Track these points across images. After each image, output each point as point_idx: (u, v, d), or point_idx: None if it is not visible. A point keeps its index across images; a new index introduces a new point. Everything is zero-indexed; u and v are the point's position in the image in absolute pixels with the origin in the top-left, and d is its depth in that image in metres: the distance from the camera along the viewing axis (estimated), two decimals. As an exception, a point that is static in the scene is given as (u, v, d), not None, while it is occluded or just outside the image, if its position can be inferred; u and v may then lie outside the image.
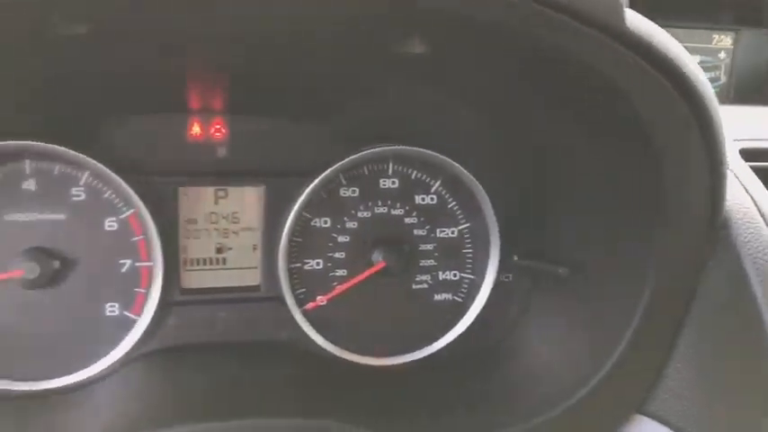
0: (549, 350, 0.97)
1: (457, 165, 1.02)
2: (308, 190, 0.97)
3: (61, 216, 0.93)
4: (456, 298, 1.08)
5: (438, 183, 1.05)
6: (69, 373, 0.93)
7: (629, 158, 0.77)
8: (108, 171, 0.91)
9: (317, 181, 0.97)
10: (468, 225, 1.07)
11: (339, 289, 1.02)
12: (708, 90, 0.69)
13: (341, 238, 1.03)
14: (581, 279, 0.94)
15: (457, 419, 0.91)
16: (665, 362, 0.86)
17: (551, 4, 0.57)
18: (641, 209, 0.80)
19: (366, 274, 1.01)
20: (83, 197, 0.93)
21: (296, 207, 0.97)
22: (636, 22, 0.60)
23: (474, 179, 1.02)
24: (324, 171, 0.97)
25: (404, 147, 1.00)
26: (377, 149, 0.99)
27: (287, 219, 0.97)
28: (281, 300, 1.00)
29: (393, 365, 1.05)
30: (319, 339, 1.01)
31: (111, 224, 0.94)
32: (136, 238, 0.95)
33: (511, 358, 1.01)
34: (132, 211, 0.94)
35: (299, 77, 0.88)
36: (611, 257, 0.89)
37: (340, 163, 0.98)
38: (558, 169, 0.92)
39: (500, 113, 0.89)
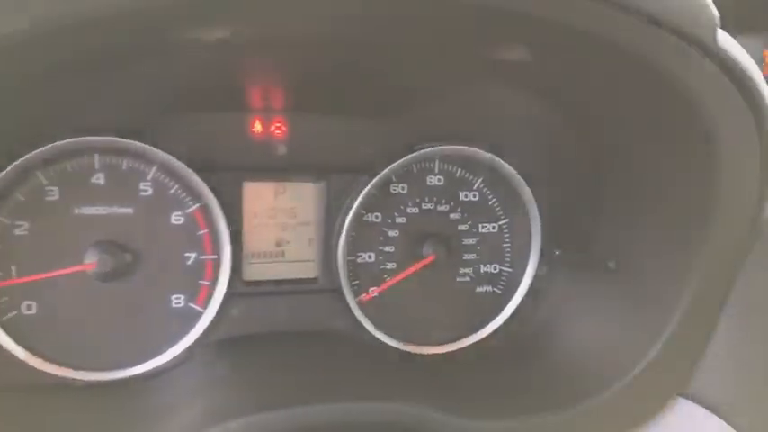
0: (591, 339, 1.03)
1: (504, 163, 1.07)
2: (368, 187, 1.01)
3: (129, 210, 0.95)
4: (496, 290, 1.14)
5: (480, 180, 1.10)
6: (137, 363, 0.96)
7: (689, 163, 0.83)
8: (178, 165, 0.94)
9: (376, 178, 1.01)
10: (507, 220, 1.13)
11: (391, 281, 1.06)
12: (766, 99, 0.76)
13: (391, 233, 1.07)
14: (625, 272, 1.00)
15: (503, 403, 0.96)
16: (704, 348, 0.93)
17: (654, 19, 0.63)
18: (695, 210, 0.87)
19: (417, 266, 1.06)
20: (150, 192, 0.95)
21: (356, 203, 1.01)
22: (725, 41, 0.66)
23: (519, 177, 1.08)
24: (382, 169, 1.02)
25: (458, 146, 1.05)
26: (435, 148, 1.04)
27: (346, 214, 1.01)
28: (337, 291, 1.04)
29: (438, 354, 1.10)
30: (372, 329, 1.06)
31: (177, 218, 0.97)
32: (201, 232, 0.98)
33: (554, 346, 1.07)
34: (198, 205, 0.97)
35: (372, 80, 0.91)
36: (658, 252, 0.95)
37: (399, 161, 1.02)
38: (613, 169, 0.98)
39: (571, 113, 0.95)
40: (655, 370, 0.95)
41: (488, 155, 1.07)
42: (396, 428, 0.86)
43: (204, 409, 0.85)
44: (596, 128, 0.94)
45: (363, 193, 1.01)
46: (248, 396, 0.86)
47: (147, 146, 0.93)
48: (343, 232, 1.01)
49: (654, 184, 0.93)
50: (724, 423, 0.95)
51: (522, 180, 1.08)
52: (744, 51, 0.69)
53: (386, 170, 1.02)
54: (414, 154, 1.03)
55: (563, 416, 0.92)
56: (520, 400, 0.96)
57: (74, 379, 0.93)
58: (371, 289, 1.06)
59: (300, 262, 1.05)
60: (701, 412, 0.97)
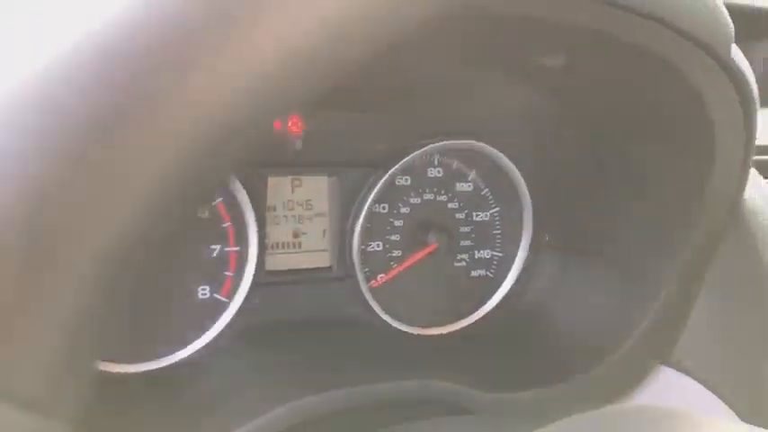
0: (581, 317, 1.13)
1: (501, 155, 1.15)
2: (382, 180, 1.07)
3: None
4: (489, 273, 1.22)
5: (474, 172, 1.18)
6: (165, 355, 0.98)
7: (684, 158, 0.94)
8: None
9: (390, 171, 1.07)
10: (497, 209, 1.21)
11: (398, 268, 1.13)
12: (757, 105, 0.87)
13: (396, 222, 1.14)
14: (612, 254, 1.10)
15: (509, 378, 1.04)
16: (686, 319, 1.05)
17: (680, 30, 0.72)
18: (685, 200, 0.97)
19: (422, 254, 1.13)
20: (176, 187, 0.98)
21: (371, 196, 1.06)
22: (736, 54, 0.76)
23: (515, 168, 1.16)
24: (394, 163, 1.08)
25: (462, 140, 1.12)
26: (441, 143, 1.11)
27: (361, 206, 1.07)
28: (350, 279, 1.09)
29: (442, 335, 1.17)
30: (382, 313, 1.12)
31: (202, 211, 0.99)
32: (225, 225, 1.01)
33: (546, 324, 1.16)
34: (221, 199, 1.00)
35: (388, 79, 0.97)
36: (646, 236, 1.06)
37: (410, 156, 1.08)
38: (609, 162, 1.07)
39: (573, 110, 1.03)
40: (641, 342, 1.05)
41: (488, 148, 1.14)
42: (431, 403, 0.93)
43: (242, 397, 0.89)
44: (597, 124, 1.03)
45: (378, 186, 1.07)
46: (284, 382, 0.91)
47: None
48: (359, 223, 1.07)
49: (648, 175, 1.03)
50: (704, 388, 1.07)
51: (517, 172, 1.16)
52: (749, 65, 0.80)
53: (397, 165, 1.08)
54: (423, 149, 1.09)
55: (558, 389, 1.02)
56: (521, 375, 1.05)
57: (104, 371, 0.95)
58: (380, 276, 1.12)
59: (316, 252, 1.10)
60: (682, 379, 1.09)
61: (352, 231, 1.08)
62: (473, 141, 1.13)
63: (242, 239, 1.02)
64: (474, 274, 1.22)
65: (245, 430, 0.82)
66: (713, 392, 1.07)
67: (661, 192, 1.02)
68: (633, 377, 1.08)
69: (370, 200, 1.07)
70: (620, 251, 1.10)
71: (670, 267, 1.02)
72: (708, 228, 0.99)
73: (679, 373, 1.09)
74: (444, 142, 1.11)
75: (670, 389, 1.09)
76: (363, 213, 1.07)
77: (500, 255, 1.23)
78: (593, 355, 1.06)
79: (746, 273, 1.02)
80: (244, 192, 0.99)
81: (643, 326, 1.05)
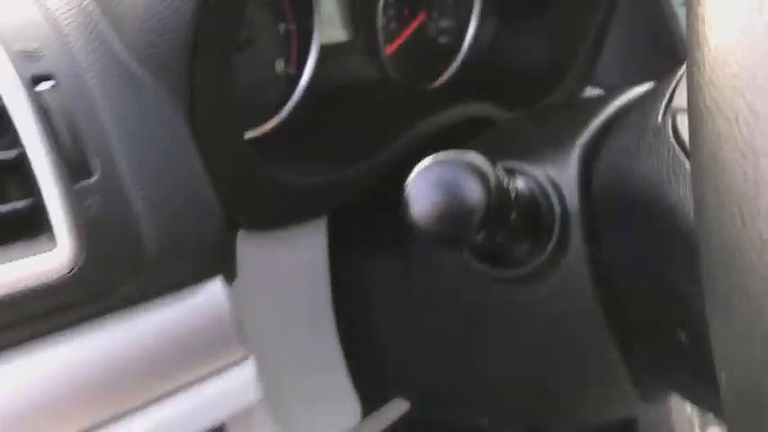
0: (535, 57, 1.47)
1: None
2: None
3: None
4: (450, 39, 1.50)
5: None
6: (262, 122, 1.13)
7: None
8: None
9: None
10: None
11: (402, 36, 1.36)
12: None
13: None
14: (550, 11, 1.44)
15: (510, 100, 1.34)
16: (603, 47, 1.45)
17: None
18: None
19: (416, 23, 1.37)
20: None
21: None
22: None
23: None
24: None
25: None
26: None
27: None
28: (371, 49, 1.30)
29: (443, 84, 1.45)
30: (398, 76, 1.36)
31: None
32: (285, 4, 1.15)
33: (507, 71, 1.49)
34: None
35: None
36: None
37: None
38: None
39: None
40: (578, 71, 1.45)
41: None
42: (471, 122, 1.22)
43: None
44: None
45: None
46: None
47: None
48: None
49: None
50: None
51: None
52: None
53: None
54: None
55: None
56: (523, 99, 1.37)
57: None
58: (389, 45, 1.35)
59: (341, 26, 1.27)
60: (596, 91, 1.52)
61: (375, 4, 1.27)
62: None
63: (300, 16, 1.17)
64: (441, 40, 1.49)
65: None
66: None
67: None
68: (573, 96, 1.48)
69: None
70: (556, 6, 1.44)
71: (595, 13, 1.40)
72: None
73: (594, 87, 1.52)
74: None
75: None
76: None
77: (456, 23, 1.50)
78: (552, 83, 1.43)
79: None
80: None
81: (578, 58, 1.43)
